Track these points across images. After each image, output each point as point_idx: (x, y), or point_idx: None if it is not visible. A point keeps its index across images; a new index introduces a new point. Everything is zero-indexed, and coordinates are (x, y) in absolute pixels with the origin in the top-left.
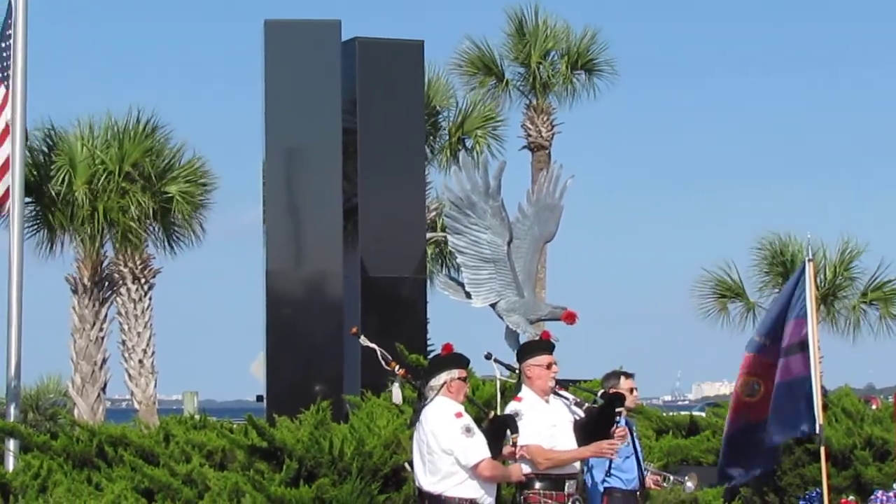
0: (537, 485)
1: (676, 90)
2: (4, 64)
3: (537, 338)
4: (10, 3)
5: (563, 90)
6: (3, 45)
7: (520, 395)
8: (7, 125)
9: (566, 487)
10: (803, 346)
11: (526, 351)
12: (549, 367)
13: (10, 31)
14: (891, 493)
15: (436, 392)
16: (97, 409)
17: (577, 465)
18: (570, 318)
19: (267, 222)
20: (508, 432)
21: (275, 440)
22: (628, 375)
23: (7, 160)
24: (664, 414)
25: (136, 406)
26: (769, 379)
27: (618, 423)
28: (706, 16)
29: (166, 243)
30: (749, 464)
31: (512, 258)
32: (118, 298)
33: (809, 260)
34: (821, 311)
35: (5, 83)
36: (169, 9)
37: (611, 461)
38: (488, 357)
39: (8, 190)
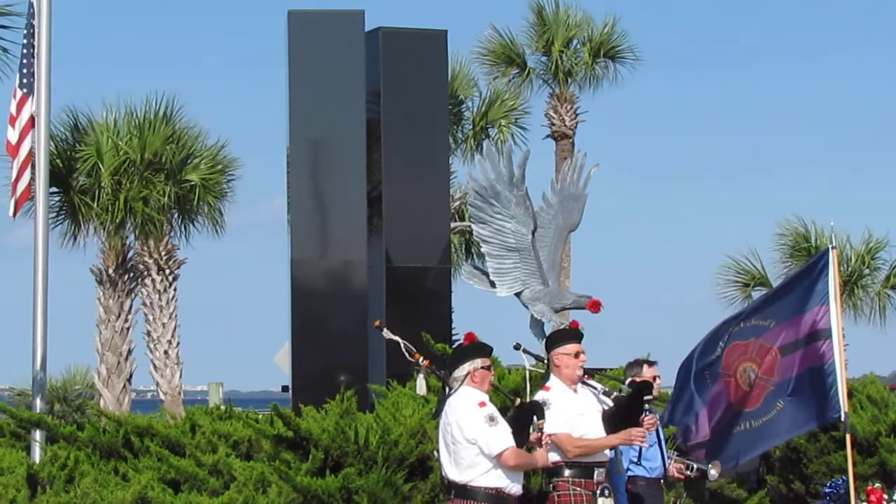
0: (566, 472)
1: (699, 76)
2: (29, 60)
3: (565, 326)
4: (30, 2)
5: (586, 78)
6: (26, 42)
7: (548, 384)
8: (32, 117)
9: (595, 475)
10: (823, 334)
11: (554, 339)
12: (577, 355)
13: (34, 29)
14: None
15: (460, 383)
16: (123, 399)
17: (608, 452)
18: (595, 306)
19: (291, 212)
20: (535, 419)
21: (300, 430)
22: (651, 363)
23: (30, 153)
24: None
25: (162, 397)
26: (761, 365)
27: (647, 411)
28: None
29: (189, 232)
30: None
31: (536, 247)
32: (143, 289)
33: (833, 247)
34: (844, 298)
35: (27, 83)
36: None
37: (640, 449)
38: (517, 348)
39: (30, 184)
